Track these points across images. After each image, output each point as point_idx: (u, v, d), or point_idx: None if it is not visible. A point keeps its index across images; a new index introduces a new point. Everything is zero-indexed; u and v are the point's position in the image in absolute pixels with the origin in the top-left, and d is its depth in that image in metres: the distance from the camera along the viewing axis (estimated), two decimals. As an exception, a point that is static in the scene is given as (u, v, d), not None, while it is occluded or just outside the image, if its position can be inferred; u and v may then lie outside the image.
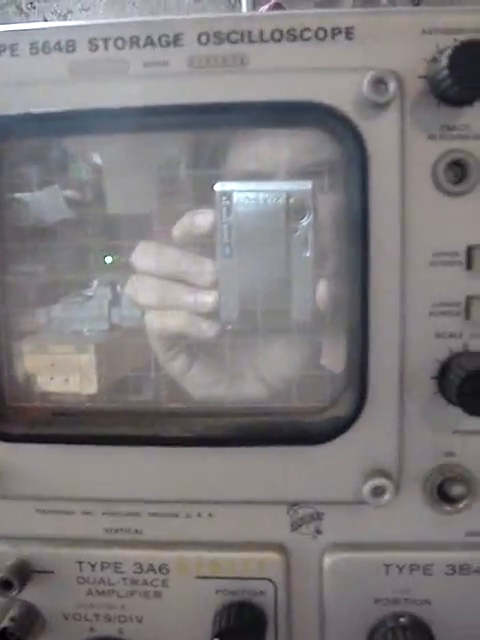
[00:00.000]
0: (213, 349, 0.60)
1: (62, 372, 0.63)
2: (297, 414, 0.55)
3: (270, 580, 0.56)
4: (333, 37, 0.50)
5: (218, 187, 0.55)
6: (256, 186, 0.55)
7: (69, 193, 0.66)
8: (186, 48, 0.51)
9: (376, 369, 0.51)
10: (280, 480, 0.55)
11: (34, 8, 1.73)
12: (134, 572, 0.57)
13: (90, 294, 0.81)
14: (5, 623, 0.56)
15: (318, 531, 0.56)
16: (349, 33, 0.50)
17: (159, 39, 0.51)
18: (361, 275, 0.50)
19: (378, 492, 0.53)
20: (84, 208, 0.62)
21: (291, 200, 0.54)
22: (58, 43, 0.51)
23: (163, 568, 0.57)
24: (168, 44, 0.51)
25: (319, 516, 0.56)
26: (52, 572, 0.58)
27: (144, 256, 0.59)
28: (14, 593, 0.56)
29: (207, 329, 0.58)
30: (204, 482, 0.55)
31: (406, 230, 0.50)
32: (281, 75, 0.50)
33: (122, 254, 0.60)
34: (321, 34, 0.50)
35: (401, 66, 0.49)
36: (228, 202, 0.55)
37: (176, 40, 0.51)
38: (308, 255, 0.55)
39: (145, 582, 0.57)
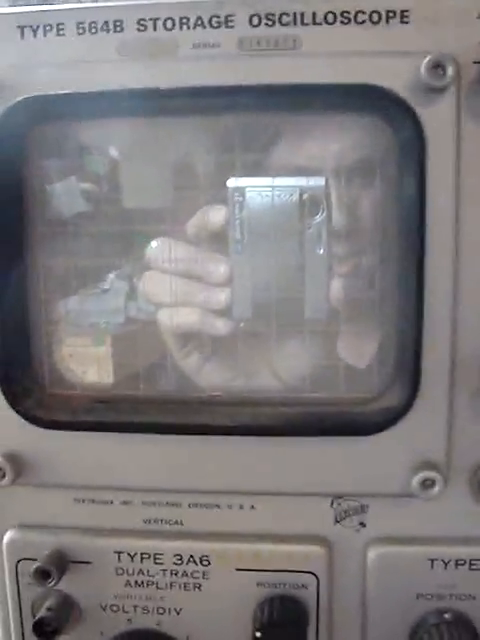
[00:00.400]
0: (227, 346, 0.59)
1: (80, 364, 0.62)
2: (346, 405, 0.54)
3: (313, 573, 0.55)
4: (388, 20, 0.49)
5: (231, 182, 0.54)
6: (269, 182, 0.54)
7: (88, 185, 0.65)
8: (237, 29, 0.50)
9: (428, 359, 0.50)
10: (325, 472, 0.54)
11: (59, -2, 1.72)
12: (174, 563, 0.56)
13: (106, 287, 0.80)
14: (42, 613, 0.56)
15: (362, 524, 0.55)
16: (404, 16, 0.49)
17: (209, 20, 0.50)
18: (416, 263, 0.49)
19: (427, 485, 0.52)
20: (102, 201, 0.61)
21: (304, 196, 0.54)
22: (105, 23, 0.50)
23: (204, 560, 0.56)
24: (219, 25, 0.50)
25: (364, 509, 0.55)
26: (90, 562, 0.57)
27: (158, 253, 0.59)
28: (52, 583, 0.55)
29: (220, 326, 0.58)
30: (247, 473, 0.54)
31: (460, 217, 0.49)
32: (334, 58, 0.49)
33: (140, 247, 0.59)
34: (375, 17, 0.49)
35: (456, 50, 0.48)
36: (240, 198, 0.54)
37: (227, 21, 0.50)
38: (322, 252, 0.54)
39: (185, 574, 0.56)
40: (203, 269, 0.58)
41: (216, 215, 0.56)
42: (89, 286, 0.70)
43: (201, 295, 0.58)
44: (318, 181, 0.54)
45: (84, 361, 0.62)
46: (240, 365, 0.61)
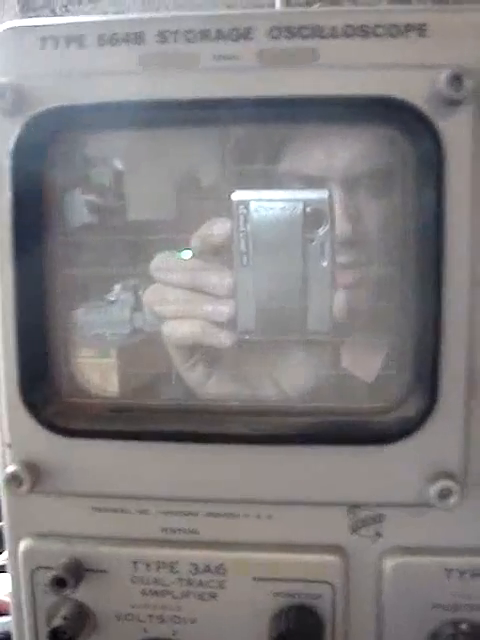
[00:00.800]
0: (231, 359, 0.59)
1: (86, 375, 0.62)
2: (364, 414, 0.54)
3: (329, 583, 0.55)
4: (406, 34, 0.49)
5: (235, 196, 0.55)
6: (273, 195, 0.55)
7: (92, 197, 0.66)
8: (256, 42, 0.50)
9: (446, 369, 0.51)
10: (342, 481, 0.54)
11: (68, 11, 1.74)
12: (190, 572, 0.56)
13: (112, 299, 0.81)
14: (57, 622, 0.56)
15: (378, 534, 0.55)
16: (422, 30, 0.49)
17: (230, 32, 0.50)
18: (434, 273, 0.49)
19: (444, 495, 0.52)
20: (107, 213, 0.62)
21: (308, 209, 0.54)
22: (126, 35, 0.51)
23: (220, 569, 0.56)
24: (238, 38, 0.50)
25: (380, 518, 0.55)
26: (106, 571, 0.57)
27: (162, 266, 0.60)
28: (67, 592, 0.55)
29: (224, 339, 0.58)
30: (264, 482, 0.54)
31: (478, 228, 0.50)
32: (353, 71, 0.50)
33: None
34: (394, 31, 0.49)
35: (474, 64, 0.49)
36: (245, 211, 0.54)
37: (247, 34, 0.50)
38: (325, 265, 0.55)
39: (201, 583, 0.56)
40: (207, 281, 0.58)
41: (221, 228, 0.56)
42: (95, 298, 0.71)
43: (205, 307, 0.58)
44: (322, 194, 0.55)
45: (89, 372, 0.62)
46: (245, 378, 0.61)
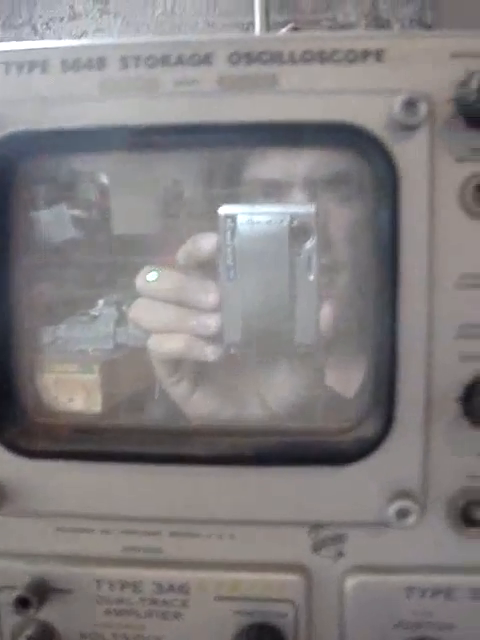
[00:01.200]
0: (216, 374, 0.60)
1: (67, 391, 0.63)
2: (323, 434, 0.55)
3: (291, 602, 0.56)
4: (364, 59, 0.50)
5: (222, 210, 0.55)
6: (260, 209, 0.56)
7: (77, 212, 0.66)
8: (216, 67, 0.51)
9: (403, 390, 0.51)
10: (303, 501, 0.54)
11: (49, 28, 1.75)
12: (153, 592, 0.57)
13: (95, 314, 0.81)
14: (22, 642, 0.56)
15: (340, 553, 0.56)
16: (380, 55, 0.50)
17: (190, 58, 0.51)
18: (389, 297, 0.50)
19: (403, 514, 0.52)
20: (92, 228, 0.62)
21: (295, 223, 0.55)
22: (89, 60, 0.52)
23: (183, 588, 0.56)
24: (199, 63, 0.51)
25: (342, 538, 0.56)
26: (70, 591, 0.57)
27: (147, 280, 0.60)
28: (31, 612, 0.55)
29: (210, 353, 0.58)
30: (226, 502, 0.55)
31: (434, 252, 0.50)
32: (312, 96, 0.50)
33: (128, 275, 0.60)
34: (352, 56, 0.50)
35: (430, 89, 0.49)
36: (232, 225, 0.55)
37: (207, 59, 0.51)
38: (312, 278, 0.55)
39: (164, 602, 0.57)
40: (193, 296, 0.58)
41: (207, 242, 0.57)
42: (78, 313, 0.71)
43: (191, 321, 0.58)
44: (308, 208, 0.55)
45: (71, 388, 0.62)
46: (229, 393, 0.62)
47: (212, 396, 0.62)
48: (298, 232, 0.55)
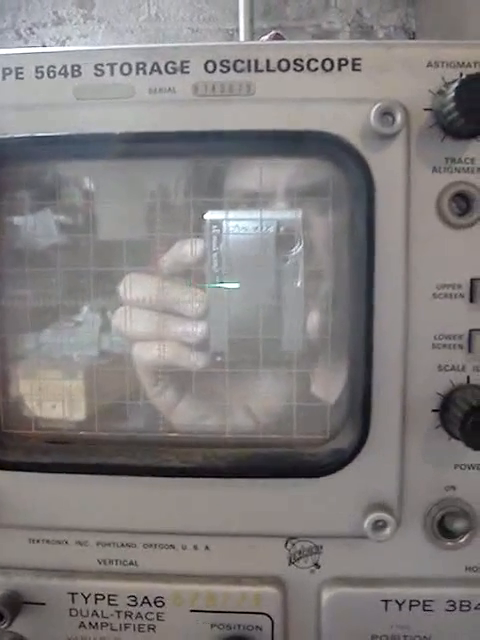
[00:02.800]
0: (201, 382, 0.59)
1: (50, 398, 0.62)
2: (298, 446, 0.54)
3: (267, 615, 0.55)
4: (340, 68, 0.50)
5: (208, 216, 0.55)
6: (246, 215, 0.55)
7: (60, 217, 0.65)
8: (192, 75, 0.51)
9: (379, 402, 0.51)
10: (279, 513, 0.54)
11: (33, 33, 1.74)
12: (128, 605, 0.56)
13: (80, 320, 0.80)
14: (-6, 656, 0.55)
15: (316, 565, 0.55)
16: (356, 64, 0.50)
17: (165, 66, 0.51)
18: (365, 306, 0.50)
19: (379, 526, 0.52)
20: (76, 234, 0.61)
21: (281, 229, 0.54)
22: (64, 67, 0.51)
23: (158, 601, 0.56)
24: (174, 71, 0.51)
25: (318, 550, 0.55)
26: (44, 604, 0.56)
27: (131, 288, 0.59)
28: (4, 625, 0.55)
29: (196, 360, 0.57)
30: (202, 514, 0.54)
31: (410, 261, 0.50)
32: (287, 104, 0.50)
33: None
34: (328, 65, 0.50)
35: (407, 98, 0.49)
36: (218, 231, 0.54)
37: (182, 67, 0.51)
38: (298, 285, 0.55)
39: (139, 615, 0.56)
40: (178, 303, 0.57)
41: (192, 248, 0.56)
42: (62, 319, 0.70)
43: (176, 329, 0.58)
44: (295, 214, 0.55)
45: (55, 394, 0.61)
46: (214, 402, 0.61)
47: (197, 405, 0.61)
48: (285, 238, 0.54)
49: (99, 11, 1.78)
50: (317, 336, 0.55)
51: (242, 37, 1.58)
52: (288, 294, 0.55)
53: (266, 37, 1.09)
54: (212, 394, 0.59)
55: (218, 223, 0.55)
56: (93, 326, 0.78)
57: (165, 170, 0.59)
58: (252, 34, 1.57)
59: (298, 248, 0.54)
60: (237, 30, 1.63)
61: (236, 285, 0.55)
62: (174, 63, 0.51)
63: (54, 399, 0.62)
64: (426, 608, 0.54)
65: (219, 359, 0.57)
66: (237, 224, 0.54)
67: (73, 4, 1.78)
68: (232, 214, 0.55)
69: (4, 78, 0.52)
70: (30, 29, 1.75)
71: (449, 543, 0.54)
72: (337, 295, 0.54)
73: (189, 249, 0.56)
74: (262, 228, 0.54)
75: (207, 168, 0.59)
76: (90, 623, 0.57)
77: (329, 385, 0.60)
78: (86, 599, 0.56)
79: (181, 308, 0.57)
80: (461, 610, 0.54)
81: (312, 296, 0.56)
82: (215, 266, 0.55)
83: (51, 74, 0.51)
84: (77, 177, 0.62)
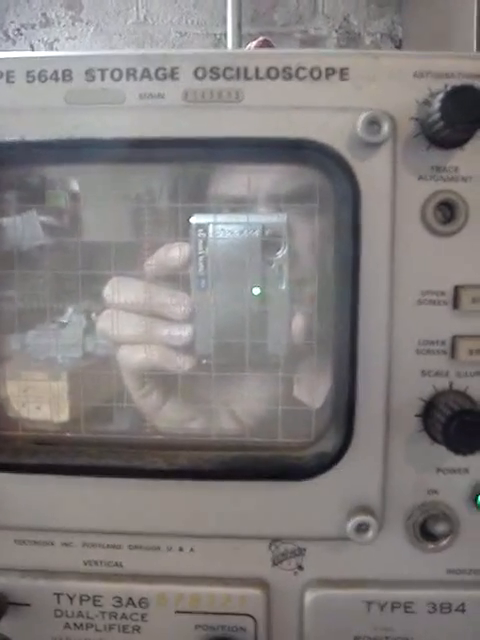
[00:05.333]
0: (187, 385, 0.59)
1: (34, 399, 0.62)
2: (282, 449, 0.55)
3: (250, 616, 0.56)
4: (328, 77, 0.51)
5: (194, 219, 0.55)
6: (232, 219, 0.56)
7: (47, 219, 0.66)
8: (182, 82, 0.51)
9: (362, 406, 0.52)
10: (263, 515, 0.54)
11: (21, 35, 1.75)
12: (113, 606, 0.56)
13: (64, 321, 0.80)
14: (-22, 656, 0.55)
15: (300, 567, 0.56)
16: (343, 73, 0.51)
17: (156, 72, 0.51)
18: (350, 312, 0.50)
19: (362, 529, 0.53)
20: (61, 236, 0.61)
21: (267, 232, 0.55)
22: (55, 72, 0.51)
23: (143, 602, 0.56)
24: (164, 77, 0.51)
25: (301, 552, 0.56)
26: (29, 605, 0.57)
27: (116, 291, 0.59)
28: (-11, 625, 0.55)
29: (182, 363, 0.58)
30: (186, 515, 0.55)
31: (395, 268, 0.51)
32: (275, 112, 0.51)
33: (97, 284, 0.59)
34: (316, 73, 0.51)
35: (393, 107, 0.50)
36: (204, 234, 0.55)
37: (172, 73, 0.51)
38: (284, 288, 0.55)
39: (124, 616, 0.57)
40: (164, 306, 0.58)
41: (178, 252, 0.56)
42: (47, 320, 0.70)
43: (162, 332, 0.58)
44: (280, 217, 0.56)
45: (39, 396, 0.61)
46: (200, 405, 0.61)
47: (182, 408, 0.61)
48: (270, 242, 0.55)
49: (87, 13, 1.78)
50: (302, 340, 0.56)
51: (230, 42, 1.59)
52: (274, 297, 0.55)
53: (254, 43, 1.10)
54: (197, 397, 0.59)
55: (204, 227, 0.55)
56: (78, 328, 0.78)
57: (153, 175, 0.60)
58: (240, 39, 1.58)
59: (283, 252, 0.55)
60: (225, 35, 1.64)
61: (221, 288, 0.55)
62: (164, 69, 0.51)
63: (39, 401, 0.62)
64: (408, 610, 0.55)
65: (205, 362, 0.57)
66: (223, 228, 0.55)
67: (62, 6, 1.78)
68: (218, 218, 0.55)
69: (-5, 82, 0.52)
70: (18, 30, 1.75)
71: (431, 546, 0.54)
72: (322, 299, 0.55)
73: (175, 253, 0.56)
74: (247, 232, 0.55)
75: (194, 174, 0.60)
76: (75, 624, 0.57)
77: (313, 389, 0.60)
78: (71, 600, 0.57)
79: (167, 311, 0.57)
80: (442, 612, 0.55)
81: (297, 300, 0.56)
82: (201, 270, 0.55)
83: (42, 79, 0.52)
84: (64, 180, 0.62)
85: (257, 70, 0.51)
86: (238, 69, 0.51)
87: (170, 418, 0.60)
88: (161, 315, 0.58)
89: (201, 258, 0.55)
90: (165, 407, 0.61)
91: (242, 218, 0.55)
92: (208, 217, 0.55)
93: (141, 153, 0.52)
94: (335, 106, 0.50)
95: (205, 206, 0.58)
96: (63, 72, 0.52)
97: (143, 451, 0.55)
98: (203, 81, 0.51)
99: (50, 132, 0.51)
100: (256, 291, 0.56)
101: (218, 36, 1.70)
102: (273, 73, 0.51)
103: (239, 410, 0.61)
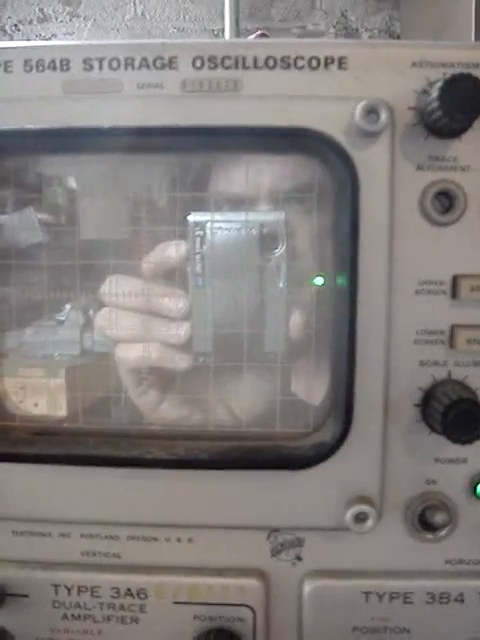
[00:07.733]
0: (185, 383, 0.59)
1: (32, 395, 0.62)
2: (281, 439, 0.55)
3: (249, 607, 0.56)
4: (326, 66, 0.51)
5: (192, 217, 0.55)
6: (229, 216, 0.56)
7: (44, 217, 0.65)
8: (180, 71, 0.51)
9: (361, 396, 0.52)
10: (261, 505, 0.54)
11: (19, 30, 1.75)
12: (111, 596, 0.56)
13: (62, 318, 0.80)
14: (-24, 647, 0.55)
15: (298, 557, 0.56)
16: (342, 63, 0.51)
17: (154, 61, 0.51)
18: (349, 302, 0.50)
19: (361, 519, 0.53)
20: (59, 233, 0.61)
21: (264, 230, 0.55)
22: (52, 61, 0.51)
23: (141, 593, 0.56)
24: (163, 66, 0.51)
25: (300, 542, 0.56)
26: (27, 596, 0.57)
27: (114, 289, 0.59)
28: (-13, 616, 0.55)
29: (180, 361, 0.58)
30: (185, 506, 0.55)
31: (393, 258, 0.51)
32: (274, 101, 0.50)
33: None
34: (314, 63, 0.51)
35: (391, 97, 0.50)
36: (201, 232, 0.55)
37: (171, 63, 0.51)
38: (281, 285, 0.55)
39: (122, 607, 0.56)
40: (162, 304, 0.58)
41: (175, 250, 0.56)
42: (45, 317, 0.70)
43: (160, 330, 0.58)
44: (278, 215, 0.56)
45: (36, 392, 0.61)
46: (197, 402, 0.61)
47: (180, 405, 0.61)
48: (268, 239, 0.55)
49: (85, 9, 1.78)
50: (300, 336, 0.56)
51: (227, 37, 1.59)
52: (271, 294, 0.55)
53: (252, 37, 1.10)
54: (195, 394, 0.59)
55: (201, 225, 0.55)
56: (76, 326, 0.78)
57: (151, 168, 0.60)
58: (238, 34, 1.58)
59: (281, 250, 0.55)
60: (222, 30, 1.64)
61: (219, 286, 0.55)
62: (162, 59, 0.51)
63: (36, 398, 0.62)
64: (406, 600, 0.55)
65: (202, 360, 0.57)
66: (220, 225, 0.55)
67: (59, 2, 1.78)
68: (215, 216, 0.55)
69: (-8, 71, 0.52)
70: (15, 26, 1.75)
71: (429, 536, 0.54)
72: (320, 294, 0.55)
73: (172, 251, 0.56)
74: (245, 230, 0.55)
75: (193, 170, 0.60)
76: (73, 615, 0.57)
77: (312, 385, 0.60)
78: (69, 591, 0.56)
79: (165, 309, 0.58)
80: (440, 602, 0.55)
81: (295, 297, 0.56)
82: (198, 267, 0.55)
83: (40, 68, 0.52)
84: (63, 175, 0.62)
85: (255, 59, 0.51)
86: (236, 58, 0.51)
87: (168, 416, 0.60)
88: (158, 313, 0.58)
89: (198, 256, 0.55)
90: (162, 405, 0.61)
91: (240, 216, 0.55)
92: (205, 215, 0.55)
93: (139, 142, 0.52)
94: (333, 95, 0.50)
95: (204, 196, 0.58)
96: (61, 61, 0.51)
97: (140, 441, 0.55)
98: (201, 70, 0.51)
99: (48, 121, 0.51)
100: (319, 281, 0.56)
101: (216, 31, 1.70)
102: (271, 62, 0.51)
103: (237, 407, 0.61)
